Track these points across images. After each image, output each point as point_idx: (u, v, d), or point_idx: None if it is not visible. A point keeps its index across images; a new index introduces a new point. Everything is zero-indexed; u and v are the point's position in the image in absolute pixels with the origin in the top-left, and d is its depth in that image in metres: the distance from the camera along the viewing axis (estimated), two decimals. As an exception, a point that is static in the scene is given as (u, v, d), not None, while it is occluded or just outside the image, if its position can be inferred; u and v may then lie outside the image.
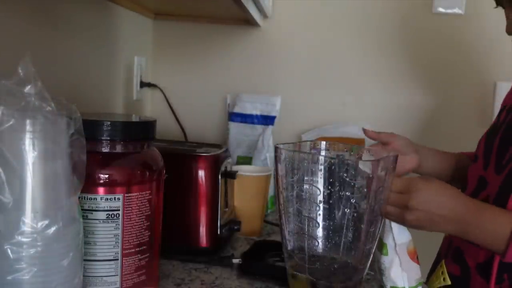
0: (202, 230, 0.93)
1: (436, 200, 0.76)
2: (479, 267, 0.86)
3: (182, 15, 1.55)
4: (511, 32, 0.89)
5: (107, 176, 0.66)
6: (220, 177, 0.95)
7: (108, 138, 0.67)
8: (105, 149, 0.68)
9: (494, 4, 0.93)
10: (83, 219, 0.59)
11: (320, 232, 0.69)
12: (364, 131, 1.00)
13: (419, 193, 0.75)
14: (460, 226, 0.77)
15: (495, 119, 0.98)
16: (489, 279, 0.83)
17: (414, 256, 0.80)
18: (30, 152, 0.52)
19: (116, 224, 0.67)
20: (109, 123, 0.67)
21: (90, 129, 0.63)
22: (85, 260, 0.61)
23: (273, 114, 1.42)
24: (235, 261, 0.91)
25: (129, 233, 0.68)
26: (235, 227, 1.02)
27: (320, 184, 0.68)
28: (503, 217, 0.77)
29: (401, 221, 0.76)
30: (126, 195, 0.67)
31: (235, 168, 1.08)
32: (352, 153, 0.79)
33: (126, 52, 1.40)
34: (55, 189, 0.54)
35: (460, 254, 0.91)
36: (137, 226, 0.68)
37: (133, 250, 0.69)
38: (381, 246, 0.78)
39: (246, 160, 1.38)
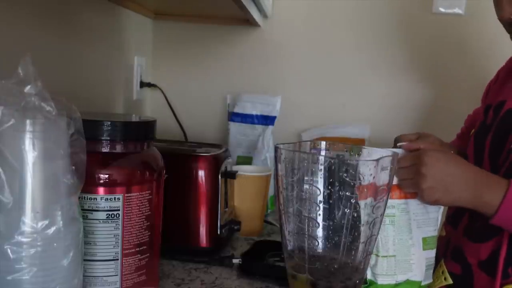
0: (202, 230, 0.93)
1: (445, 167, 0.79)
2: (482, 264, 0.87)
3: (182, 15, 1.55)
4: None
5: (107, 176, 0.66)
6: (220, 177, 0.95)
7: (108, 138, 0.67)
8: (105, 149, 0.68)
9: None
10: (83, 219, 0.59)
11: (320, 232, 0.69)
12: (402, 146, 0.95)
13: (429, 161, 0.78)
14: (473, 190, 0.79)
15: (482, 118, 0.97)
16: (494, 276, 0.84)
17: None
18: (30, 152, 0.52)
19: (116, 224, 0.67)
20: (109, 123, 0.67)
21: (90, 129, 0.63)
22: (85, 260, 0.61)
23: (273, 114, 1.42)
24: (235, 261, 0.91)
25: (129, 233, 0.68)
26: (235, 227, 1.02)
27: (320, 184, 0.68)
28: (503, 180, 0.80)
29: (418, 191, 0.80)
30: (126, 195, 0.67)
31: (235, 168, 1.08)
32: (352, 153, 0.79)
33: (126, 52, 1.40)
34: (55, 189, 0.54)
35: (460, 253, 0.91)
36: (137, 226, 0.68)
37: (133, 250, 0.69)
38: (427, 241, 0.83)
39: (246, 160, 1.38)
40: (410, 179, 0.80)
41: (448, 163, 0.80)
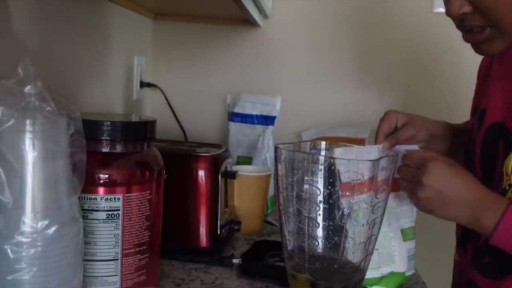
0: (202, 230, 0.93)
1: (449, 181, 0.74)
2: None
3: (182, 15, 1.55)
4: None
5: (107, 176, 0.66)
6: (220, 177, 0.95)
7: (108, 138, 0.67)
8: (105, 149, 0.68)
9: None
10: (83, 219, 0.59)
11: (320, 232, 0.69)
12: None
13: (433, 170, 0.73)
14: (472, 213, 0.73)
15: (471, 121, 0.93)
16: None
17: None
18: (30, 152, 0.52)
19: (116, 224, 0.67)
20: (109, 123, 0.67)
21: (90, 129, 0.63)
22: (85, 260, 0.61)
23: (273, 114, 1.42)
24: (235, 261, 0.91)
25: (129, 233, 0.68)
26: (235, 227, 1.02)
27: (320, 184, 0.68)
28: None
29: (413, 197, 0.76)
30: (126, 195, 0.67)
31: (235, 168, 1.08)
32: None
33: (126, 52, 1.40)
34: (55, 189, 0.54)
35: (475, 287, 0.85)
36: (137, 226, 0.69)
37: (133, 250, 0.69)
38: (406, 233, 0.84)
39: (246, 160, 1.38)
40: (408, 182, 0.77)
41: (453, 178, 0.75)
